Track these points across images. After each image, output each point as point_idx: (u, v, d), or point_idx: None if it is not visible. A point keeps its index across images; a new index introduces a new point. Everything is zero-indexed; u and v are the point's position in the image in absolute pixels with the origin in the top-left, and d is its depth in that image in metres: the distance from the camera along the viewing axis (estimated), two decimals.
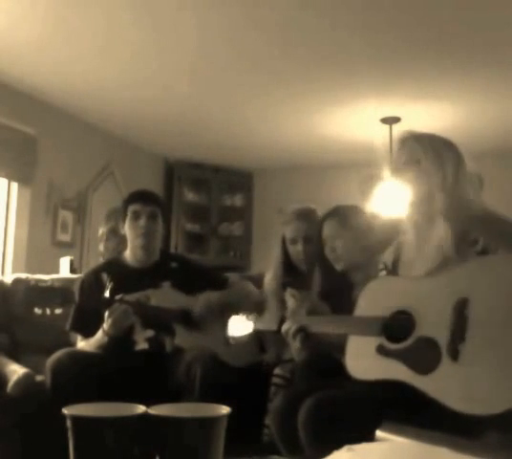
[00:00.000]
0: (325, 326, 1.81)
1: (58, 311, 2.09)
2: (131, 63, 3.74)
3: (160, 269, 2.47)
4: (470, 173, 1.69)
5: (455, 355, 1.40)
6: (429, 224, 1.68)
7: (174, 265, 2.51)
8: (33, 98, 4.19)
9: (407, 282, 1.59)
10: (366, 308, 1.66)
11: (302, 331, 1.80)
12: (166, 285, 2.42)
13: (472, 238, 1.56)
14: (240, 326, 2.03)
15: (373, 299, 1.66)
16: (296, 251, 2.41)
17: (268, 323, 1.99)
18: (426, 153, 1.69)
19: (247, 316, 2.06)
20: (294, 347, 1.93)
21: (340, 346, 1.79)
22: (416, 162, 1.70)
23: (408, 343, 1.52)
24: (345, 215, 2.12)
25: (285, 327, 1.85)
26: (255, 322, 2.02)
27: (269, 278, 2.51)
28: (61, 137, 4.49)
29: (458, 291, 1.43)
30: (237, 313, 2.15)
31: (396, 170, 1.78)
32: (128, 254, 2.50)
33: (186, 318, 2.34)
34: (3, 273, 3.98)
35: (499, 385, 1.34)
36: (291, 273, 2.44)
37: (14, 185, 4.12)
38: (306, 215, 2.45)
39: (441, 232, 1.62)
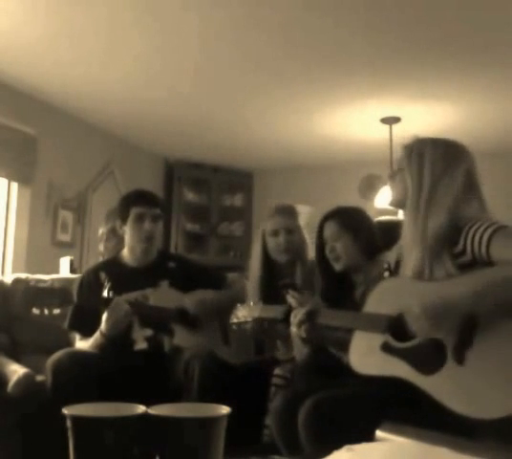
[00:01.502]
0: (332, 319, 1.82)
1: (56, 311, 2.10)
2: (133, 64, 3.74)
3: (158, 268, 2.47)
4: (464, 177, 1.65)
5: (461, 359, 1.40)
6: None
7: (172, 264, 2.51)
8: (33, 98, 4.19)
9: (418, 284, 1.58)
10: (374, 306, 1.67)
11: (310, 315, 1.80)
12: (164, 284, 2.42)
13: (460, 248, 1.53)
14: (245, 311, 2.04)
15: (383, 298, 1.66)
16: (277, 242, 2.44)
17: (275, 312, 2.00)
18: (408, 160, 1.68)
19: (254, 303, 2.07)
20: (297, 339, 1.94)
21: (341, 343, 1.79)
22: (401, 168, 1.71)
23: (413, 343, 1.52)
24: (345, 216, 2.12)
25: (294, 312, 1.86)
26: (261, 310, 2.03)
27: (251, 272, 2.55)
28: (61, 137, 4.49)
29: (469, 297, 1.42)
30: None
31: (389, 175, 1.80)
32: (126, 254, 2.50)
33: (184, 318, 2.34)
34: (3, 273, 3.98)
35: (501, 391, 1.34)
36: (269, 267, 2.49)
37: (14, 185, 4.12)
38: (286, 210, 2.54)
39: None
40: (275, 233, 2.46)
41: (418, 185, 1.64)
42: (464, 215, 1.58)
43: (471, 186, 1.65)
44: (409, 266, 1.62)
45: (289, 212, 2.53)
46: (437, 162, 1.64)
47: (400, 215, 1.88)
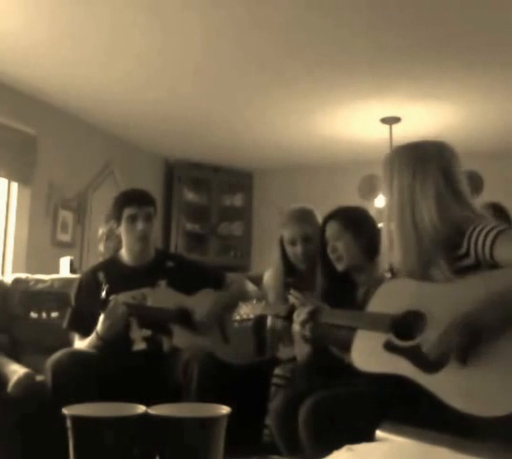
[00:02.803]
0: (335, 318, 1.82)
1: (54, 314, 2.09)
2: (133, 64, 3.74)
3: (156, 267, 2.47)
4: (441, 178, 1.64)
5: (464, 358, 1.40)
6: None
7: (170, 264, 2.51)
8: (33, 98, 4.19)
9: (424, 285, 1.58)
10: (378, 306, 1.67)
11: (312, 319, 1.81)
12: (163, 284, 2.42)
13: (463, 251, 1.53)
14: (248, 309, 2.04)
15: (387, 298, 1.66)
16: (295, 251, 2.40)
17: (277, 309, 2.00)
18: (383, 174, 1.71)
19: (257, 301, 2.07)
20: (299, 339, 1.94)
21: (343, 342, 1.79)
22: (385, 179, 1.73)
23: (416, 342, 1.52)
24: (347, 216, 2.11)
25: (296, 313, 1.86)
26: (263, 308, 2.03)
27: (270, 278, 2.52)
28: (61, 137, 4.49)
29: (474, 298, 1.42)
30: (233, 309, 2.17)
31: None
32: (124, 254, 2.50)
33: (183, 318, 2.34)
34: (3, 273, 3.98)
35: (504, 389, 1.34)
36: (291, 274, 2.45)
37: (14, 185, 4.13)
38: (303, 216, 2.46)
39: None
40: (292, 243, 2.40)
41: (393, 196, 1.67)
42: (458, 216, 1.57)
43: (452, 187, 1.63)
44: (403, 271, 1.64)
45: (306, 218, 2.44)
46: (404, 170, 1.66)
47: None
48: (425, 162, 1.65)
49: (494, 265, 1.47)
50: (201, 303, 2.37)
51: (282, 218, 2.52)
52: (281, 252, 2.46)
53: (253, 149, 5.61)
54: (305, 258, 2.39)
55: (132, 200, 2.43)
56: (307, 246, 2.38)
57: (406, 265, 1.61)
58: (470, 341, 1.39)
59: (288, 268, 2.45)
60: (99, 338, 2.23)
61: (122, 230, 2.43)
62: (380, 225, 1.98)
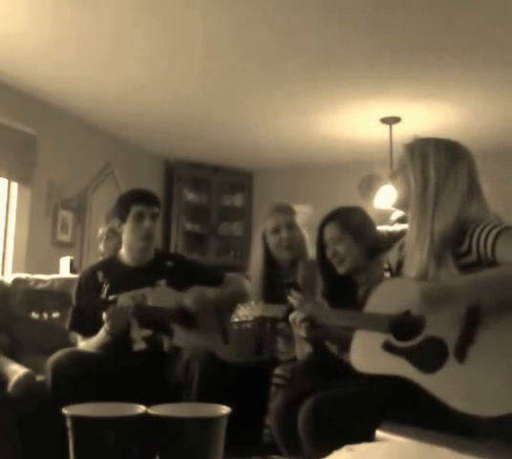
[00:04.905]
0: (333, 319, 1.82)
1: (56, 314, 2.09)
2: (135, 65, 3.74)
3: (155, 267, 2.48)
4: (467, 178, 1.63)
5: (462, 357, 1.40)
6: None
7: (170, 263, 2.52)
8: (34, 98, 4.19)
9: (421, 284, 1.58)
10: (376, 306, 1.66)
11: (308, 320, 1.81)
12: (162, 283, 2.42)
13: (465, 249, 1.53)
14: (246, 311, 2.06)
15: (385, 298, 1.66)
16: (279, 238, 2.45)
17: (276, 311, 2.01)
18: (411, 160, 1.67)
19: (255, 303, 2.08)
20: (299, 337, 1.94)
21: (342, 341, 1.79)
22: (403, 168, 1.70)
23: (415, 342, 1.52)
24: (346, 217, 2.10)
25: (292, 315, 1.86)
26: (262, 309, 2.04)
27: (253, 271, 2.55)
28: (61, 137, 4.49)
29: (472, 296, 1.42)
30: (233, 310, 2.17)
31: (391, 174, 1.79)
32: (124, 253, 2.50)
33: (183, 317, 2.34)
34: (3, 273, 3.98)
35: (503, 388, 1.34)
36: (271, 267, 2.49)
37: (14, 185, 4.12)
38: (285, 208, 2.56)
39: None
40: (276, 230, 2.46)
41: (423, 185, 1.62)
42: (469, 216, 1.57)
43: (473, 187, 1.64)
44: (413, 266, 1.62)
45: (288, 210, 2.55)
46: (440, 162, 1.63)
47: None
48: (459, 160, 1.64)
49: (494, 263, 1.47)
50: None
51: (264, 213, 2.60)
52: (263, 245, 2.51)
53: (253, 149, 5.61)
54: (289, 245, 2.43)
55: (140, 198, 2.46)
56: (291, 232, 2.44)
57: (419, 265, 1.59)
58: (467, 335, 1.39)
59: (270, 260, 2.50)
60: (108, 333, 2.23)
61: (126, 229, 2.44)
62: (380, 227, 1.97)
